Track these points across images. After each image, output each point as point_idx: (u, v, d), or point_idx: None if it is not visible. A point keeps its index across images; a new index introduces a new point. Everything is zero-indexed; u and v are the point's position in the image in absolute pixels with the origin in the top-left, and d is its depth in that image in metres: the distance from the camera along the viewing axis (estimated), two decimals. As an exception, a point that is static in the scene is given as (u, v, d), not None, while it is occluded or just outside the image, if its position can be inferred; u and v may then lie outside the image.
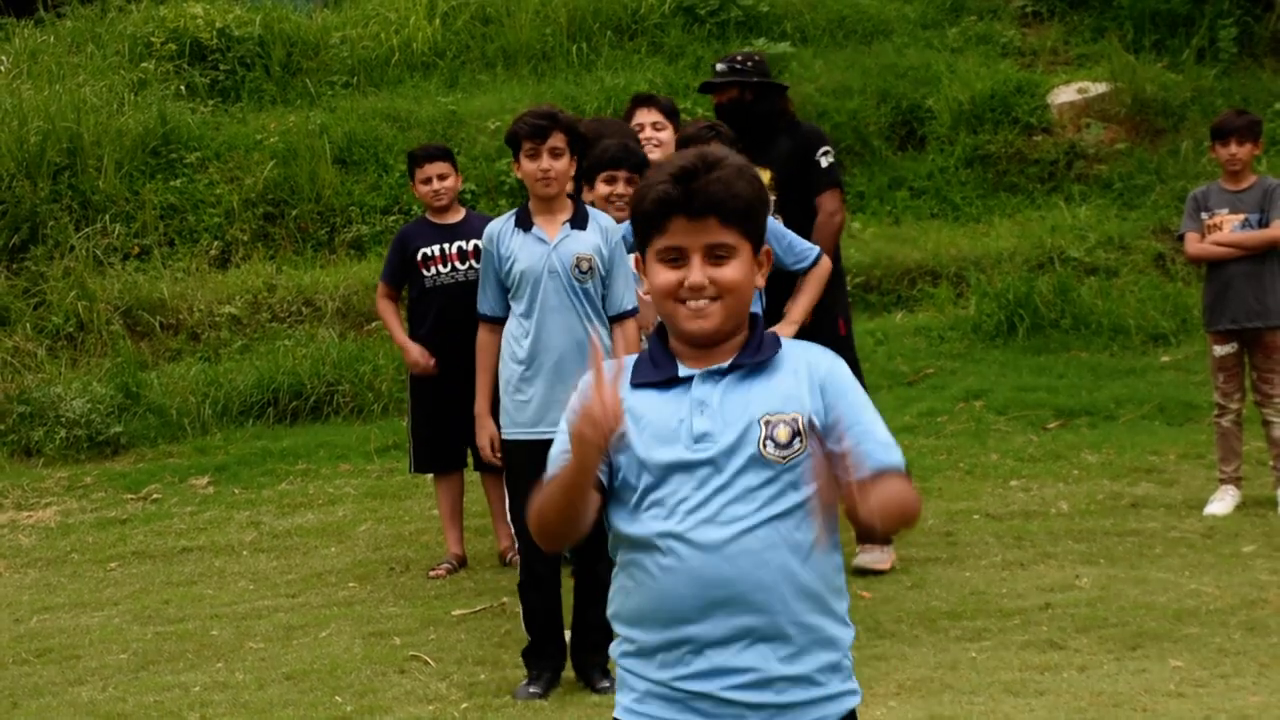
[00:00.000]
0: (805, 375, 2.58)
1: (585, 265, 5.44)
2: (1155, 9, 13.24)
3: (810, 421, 2.52)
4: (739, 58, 7.05)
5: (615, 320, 5.54)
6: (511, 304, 5.51)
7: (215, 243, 11.84)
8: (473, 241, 7.00)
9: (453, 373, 6.84)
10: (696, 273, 2.55)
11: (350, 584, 7.08)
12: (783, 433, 2.52)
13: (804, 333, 6.16)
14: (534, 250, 5.44)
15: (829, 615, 2.57)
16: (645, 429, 2.56)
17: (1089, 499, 7.66)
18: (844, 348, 6.68)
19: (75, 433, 9.68)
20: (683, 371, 2.59)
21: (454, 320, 6.86)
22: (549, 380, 5.39)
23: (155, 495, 8.95)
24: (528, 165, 5.46)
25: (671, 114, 7.00)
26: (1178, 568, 6.43)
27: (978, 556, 6.79)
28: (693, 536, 2.49)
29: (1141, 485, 7.88)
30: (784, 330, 5.96)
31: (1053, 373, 9.82)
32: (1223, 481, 7.40)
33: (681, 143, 6.24)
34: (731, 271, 2.55)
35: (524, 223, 5.50)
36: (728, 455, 2.51)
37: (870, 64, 13.02)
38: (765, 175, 6.87)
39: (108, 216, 11.74)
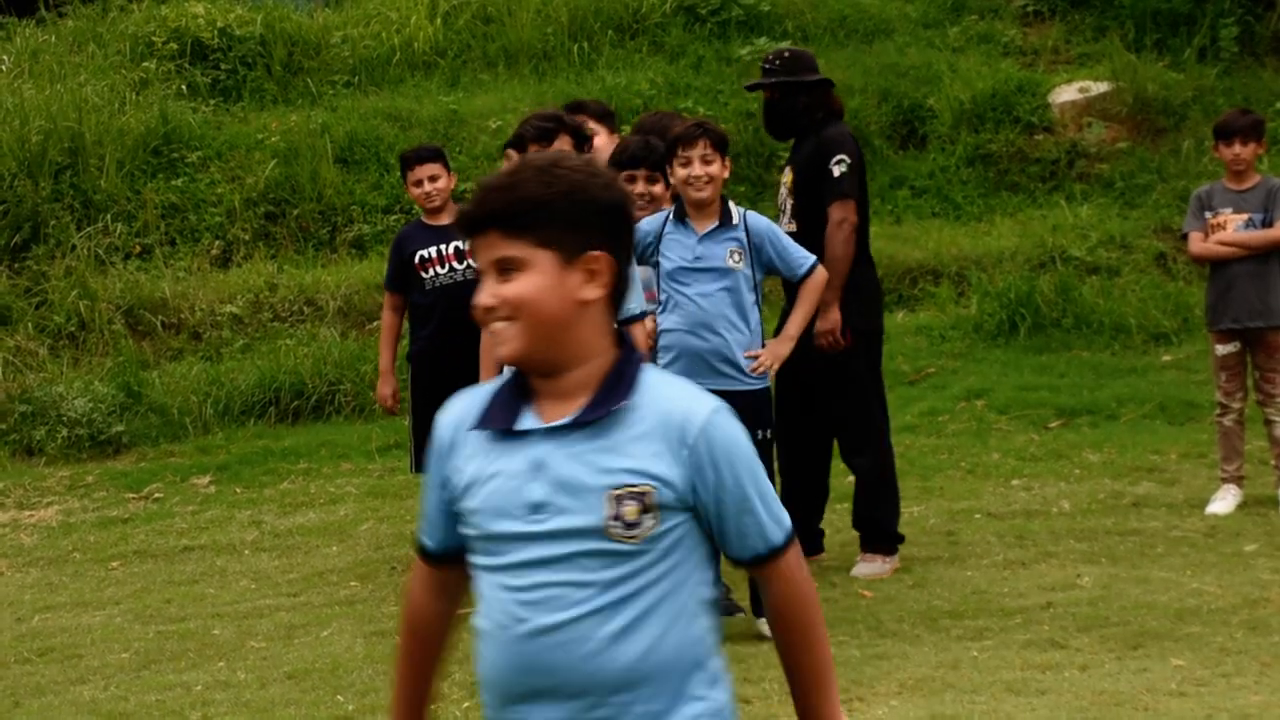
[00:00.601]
0: (666, 435, 2.19)
1: None
2: (1156, 8, 13.24)
3: (671, 495, 2.18)
4: (771, 56, 7.01)
5: (621, 325, 5.52)
6: None
7: (217, 242, 11.84)
8: None
9: (455, 372, 6.82)
10: (481, 292, 2.23)
11: (352, 583, 7.08)
12: (630, 510, 2.17)
13: (804, 344, 6.16)
14: None
15: (679, 697, 2.23)
16: (484, 488, 2.25)
17: (1090, 498, 7.66)
18: (852, 359, 6.65)
19: (77, 432, 9.68)
20: (523, 423, 2.24)
21: (456, 320, 6.86)
22: None
23: (157, 494, 8.95)
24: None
25: (603, 117, 6.90)
26: (1179, 567, 6.43)
27: (979, 555, 6.79)
28: (523, 615, 2.20)
29: (1143, 484, 7.88)
30: (781, 347, 5.91)
31: (1054, 372, 9.82)
32: (1224, 481, 7.40)
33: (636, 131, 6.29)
34: (518, 287, 2.19)
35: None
36: (567, 532, 2.18)
37: (871, 63, 13.02)
38: (788, 177, 6.87)
39: (109, 216, 11.74)
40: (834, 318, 6.52)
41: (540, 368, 2.25)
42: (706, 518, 2.23)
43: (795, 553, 2.29)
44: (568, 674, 2.18)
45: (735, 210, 5.84)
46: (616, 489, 2.17)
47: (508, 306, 2.21)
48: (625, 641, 2.18)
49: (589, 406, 2.20)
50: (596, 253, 2.22)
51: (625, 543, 2.17)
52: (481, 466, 2.26)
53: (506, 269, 2.21)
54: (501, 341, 2.24)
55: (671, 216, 5.82)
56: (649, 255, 5.79)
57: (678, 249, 5.77)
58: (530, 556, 2.20)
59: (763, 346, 5.85)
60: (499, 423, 2.26)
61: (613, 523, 2.17)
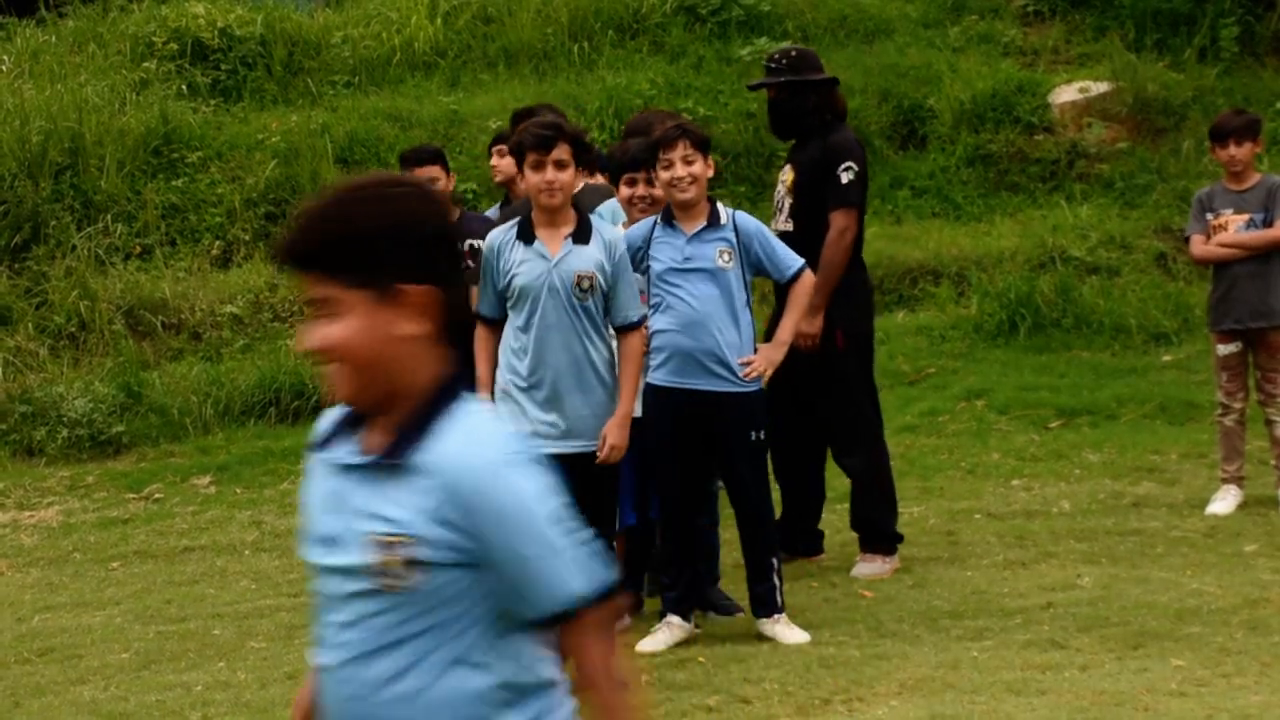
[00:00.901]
0: (445, 489, 2.11)
1: (586, 284, 5.43)
2: (1157, 8, 13.24)
3: (434, 551, 2.12)
4: (776, 55, 6.98)
5: (620, 331, 5.54)
6: (510, 313, 5.51)
7: (217, 242, 11.84)
8: (469, 241, 6.98)
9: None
10: (305, 334, 2.19)
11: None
12: (390, 559, 2.12)
13: (794, 347, 6.17)
14: (535, 267, 5.42)
15: None
16: (308, 512, 2.27)
17: (1091, 498, 7.66)
18: (840, 361, 6.64)
19: (77, 432, 9.69)
20: (337, 454, 2.22)
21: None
22: (547, 396, 5.42)
23: (157, 495, 8.96)
24: (532, 176, 5.44)
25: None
26: (1179, 567, 6.43)
27: (979, 556, 6.79)
28: (317, 650, 2.22)
29: (1143, 485, 7.88)
30: (774, 352, 5.92)
31: (1054, 372, 9.83)
32: (1225, 481, 7.40)
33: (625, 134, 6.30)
34: (335, 330, 2.14)
35: (526, 234, 5.49)
36: (344, 570, 2.17)
37: (872, 63, 13.02)
38: (789, 176, 6.85)
39: (109, 216, 11.74)
40: (818, 322, 6.53)
41: (374, 407, 2.19)
42: (496, 575, 2.15)
43: (593, 622, 2.18)
44: (346, 713, 2.19)
45: (724, 211, 5.83)
46: (380, 536, 2.13)
47: (328, 351, 2.15)
48: (392, 686, 2.14)
49: (385, 449, 2.16)
50: (414, 286, 2.13)
51: (391, 590, 2.12)
52: (310, 490, 2.27)
53: (325, 311, 2.15)
54: (334, 384, 2.18)
55: (660, 220, 5.82)
56: (640, 262, 5.76)
57: (667, 250, 5.76)
58: (325, 590, 2.21)
59: (754, 347, 5.85)
60: (324, 449, 2.25)
61: (377, 568, 2.13)
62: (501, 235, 5.54)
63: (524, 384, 5.45)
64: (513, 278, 5.44)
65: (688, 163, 5.69)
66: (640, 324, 5.57)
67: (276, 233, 12.00)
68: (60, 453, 9.64)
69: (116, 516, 8.61)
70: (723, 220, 5.77)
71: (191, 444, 9.73)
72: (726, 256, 5.72)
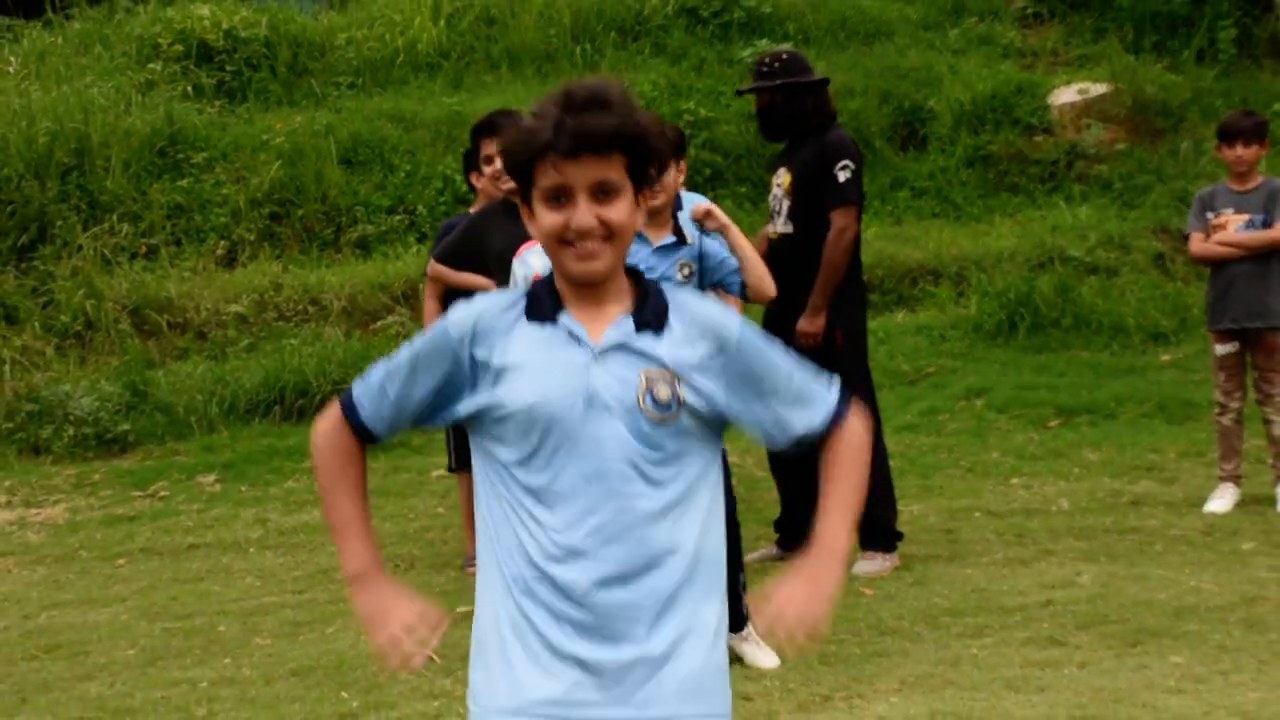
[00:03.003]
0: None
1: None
2: (1155, 10, 13.29)
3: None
4: (766, 59, 6.94)
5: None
6: None
7: (222, 242, 11.89)
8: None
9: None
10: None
11: (357, 581, 7.11)
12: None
13: (792, 348, 6.16)
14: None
15: None
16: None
17: (1089, 497, 7.70)
18: (840, 360, 6.67)
19: (83, 430, 9.73)
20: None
21: None
22: None
23: (163, 492, 9.00)
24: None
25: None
26: (1178, 565, 6.47)
27: (979, 554, 6.83)
28: None
29: (1142, 483, 7.92)
30: None
31: (1053, 371, 9.86)
32: (1223, 479, 7.44)
33: None
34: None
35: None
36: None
37: (872, 65, 13.06)
38: (785, 179, 6.85)
39: (115, 216, 11.79)
40: (819, 320, 6.56)
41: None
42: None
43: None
44: None
45: (690, 229, 5.56)
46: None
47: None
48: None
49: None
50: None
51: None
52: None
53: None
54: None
55: None
56: None
57: (630, 261, 5.46)
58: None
59: None
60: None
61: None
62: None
63: None
64: None
65: None
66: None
67: (281, 233, 12.05)
68: (66, 451, 9.68)
69: (122, 514, 8.64)
70: (689, 239, 5.51)
71: (197, 442, 9.77)
72: (687, 271, 5.50)
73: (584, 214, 2.34)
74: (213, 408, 10.01)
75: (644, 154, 2.38)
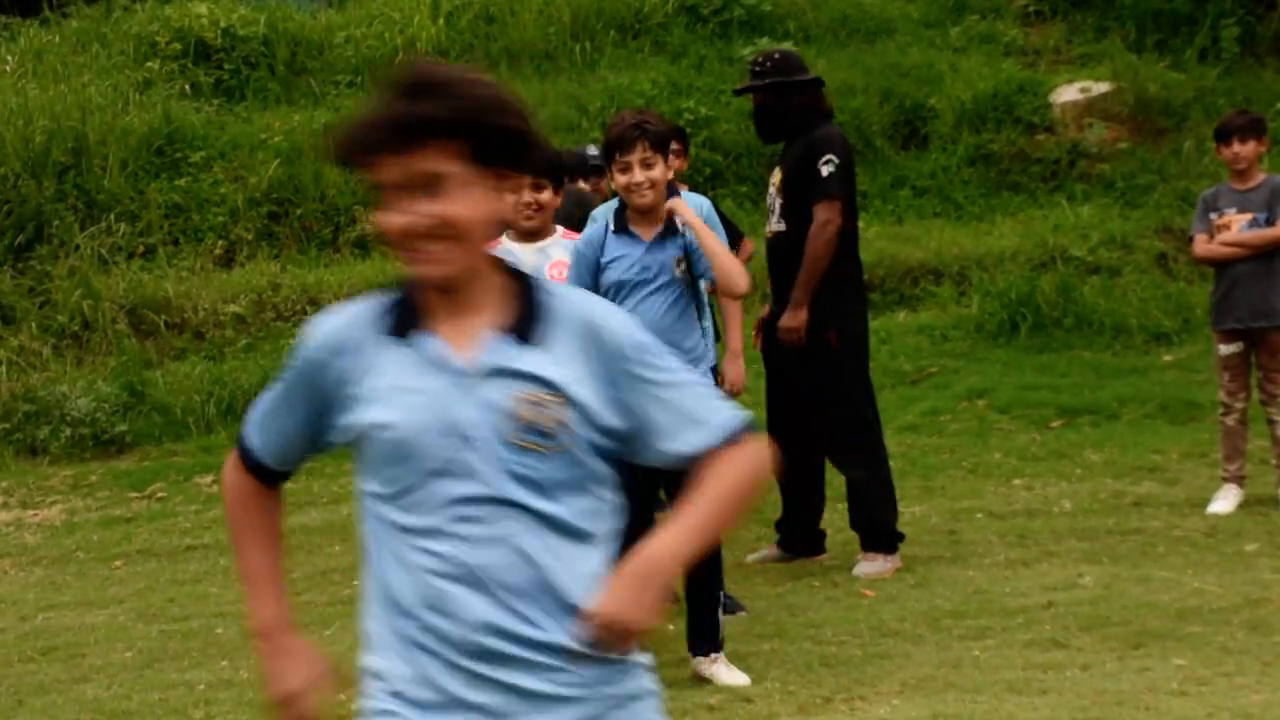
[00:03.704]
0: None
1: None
2: (1158, 8, 13.26)
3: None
4: (760, 59, 6.97)
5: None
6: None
7: (220, 242, 11.86)
8: None
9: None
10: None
11: (354, 582, 7.09)
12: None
13: (791, 350, 6.16)
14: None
15: None
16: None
17: (1092, 498, 7.67)
18: (835, 360, 6.65)
19: (80, 431, 9.71)
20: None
21: None
22: None
23: (160, 493, 8.98)
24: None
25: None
26: (1180, 566, 6.44)
27: (981, 555, 6.80)
28: None
29: (1144, 484, 7.89)
30: (733, 364, 6.04)
31: (1055, 372, 9.84)
32: (1226, 480, 7.41)
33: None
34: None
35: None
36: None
37: (873, 63, 13.03)
38: (777, 177, 6.86)
39: (113, 215, 11.76)
40: (801, 315, 6.53)
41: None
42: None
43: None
44: None
45: (679, 222, 5.48)
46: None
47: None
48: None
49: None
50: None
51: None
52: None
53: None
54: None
55: (612, 227, 5.42)
56: (600, 272, 5.43)
57: (624, 260, 5.39)
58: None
59: (709, 343, 5.73)
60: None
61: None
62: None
63: None
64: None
65: (646, 166, 5.25)
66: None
67: (279, 232, 12.02)
68: (63, 452, 9.65)
69: (119, 515, 8.62)
70: (679, 229, 5.44)
71: (194, 443, 9.75)
72: (683, 265, 5.45)
73: (406, 213, 2.09)
74: (210, 408, 9.99)
75: (486, 136, 2.09)
